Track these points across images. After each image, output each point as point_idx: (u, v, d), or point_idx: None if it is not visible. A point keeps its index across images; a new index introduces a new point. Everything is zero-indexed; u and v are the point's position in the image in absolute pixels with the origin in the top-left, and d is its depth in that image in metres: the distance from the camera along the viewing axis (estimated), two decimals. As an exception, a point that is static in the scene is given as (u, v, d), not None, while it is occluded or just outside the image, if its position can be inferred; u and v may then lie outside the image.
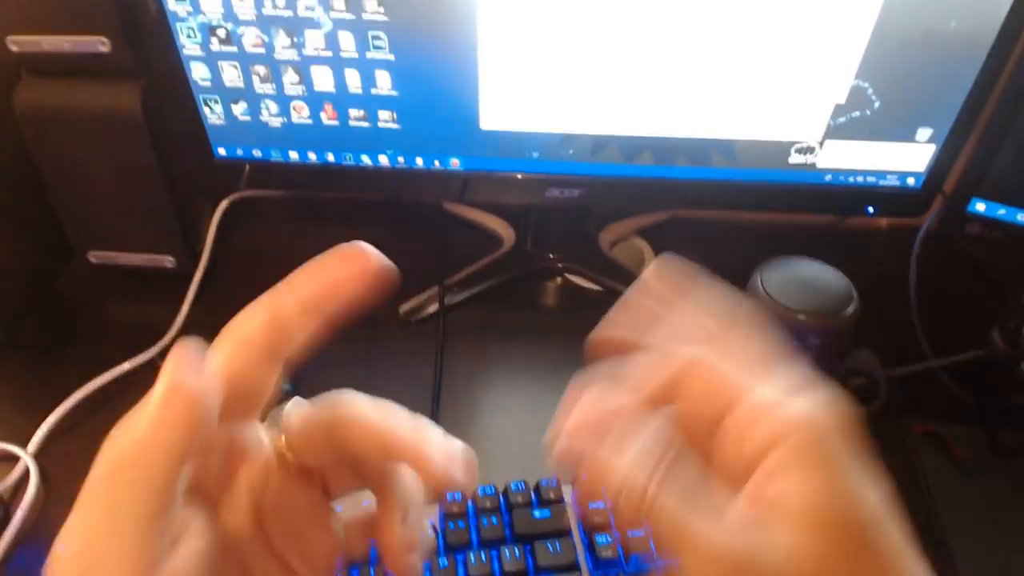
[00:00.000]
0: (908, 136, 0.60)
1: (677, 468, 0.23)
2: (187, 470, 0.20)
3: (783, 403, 0.23)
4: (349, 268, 0.23)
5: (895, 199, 0.64)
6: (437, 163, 0.64)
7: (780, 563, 0.21)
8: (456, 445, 0.24)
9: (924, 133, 0.60)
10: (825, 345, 0.56)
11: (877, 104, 0.58)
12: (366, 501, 0.25)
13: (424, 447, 0.23)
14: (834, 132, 0.60)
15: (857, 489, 0.22)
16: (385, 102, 0.59)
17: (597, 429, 0.24)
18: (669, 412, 0.25)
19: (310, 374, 0.62)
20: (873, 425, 0.65)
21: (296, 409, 0.24)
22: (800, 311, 0.54)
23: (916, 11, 0.53)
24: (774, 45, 0.55)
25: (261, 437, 0.24)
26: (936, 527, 0.54)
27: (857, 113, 0.58)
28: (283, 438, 0.23)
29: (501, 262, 0.76)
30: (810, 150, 0.61)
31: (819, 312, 0.54)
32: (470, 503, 0.49)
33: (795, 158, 0.62)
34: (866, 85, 0.57)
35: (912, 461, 0.59)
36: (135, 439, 0.20)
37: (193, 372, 0.20)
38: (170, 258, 0.71)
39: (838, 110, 0.58)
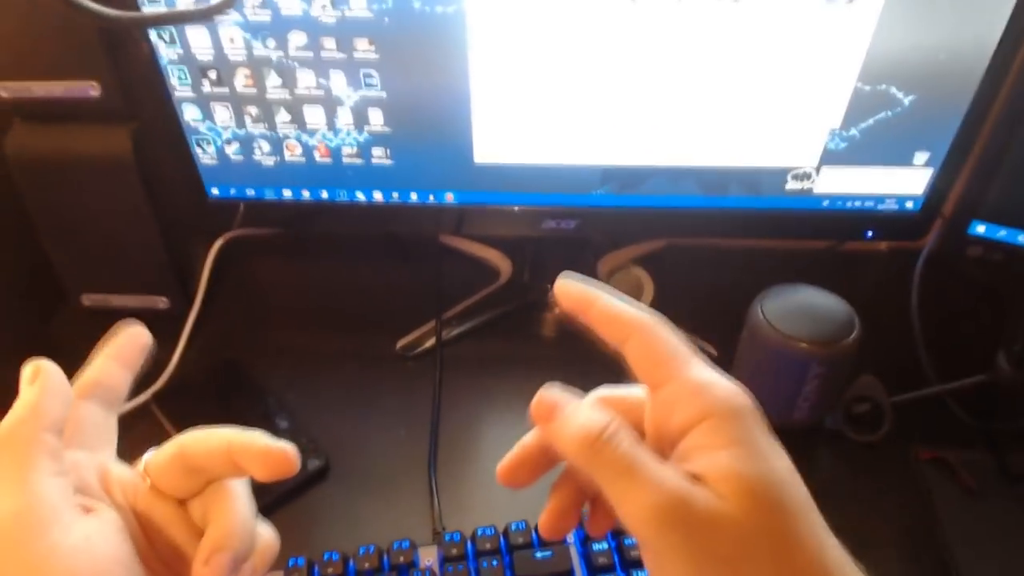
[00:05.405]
0: (905, 160, 0.60)
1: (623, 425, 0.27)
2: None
3: (709, 385, 0.27)
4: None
5: (894, 223, 0.64)
6: (432, 197, 0.63)
7: (711, 509, 0.24)
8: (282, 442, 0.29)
9: (921, 157, 0.59)
10: (828, 372, 0.55)
11: (874, 129, 0.58)
12: None
13: (252, 438, 0.28)
14: (830, 158, 0.59)
15: (768, 459, 0.26)
16: (378, 139, 0.59)
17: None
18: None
19: (308, 412, 0.62)
20: (879, 451, 0.63)
21: (154, 449, 0.31)
22: (802, 339, 0.53)
23: (908, 37, 0.53)
24: (767, 72, 0.55)
25: (124, 467, 0.31)
26: (945, 554, 0.53)
27: (853, 138, 0.58)
28: (143, 464, 0.30)
29: (498, 295, 0.76)
30: (807, 176, 0.61)
31: (821, 340, 0.53)
32: (469, 544, 0.48)
33: (792, 184, 0.61)
34: (861, 110, 0.57)
35: (919, 488, 0.58)
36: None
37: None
38: (164, 299, 0.71)
39: (833, 136, 0.58)
